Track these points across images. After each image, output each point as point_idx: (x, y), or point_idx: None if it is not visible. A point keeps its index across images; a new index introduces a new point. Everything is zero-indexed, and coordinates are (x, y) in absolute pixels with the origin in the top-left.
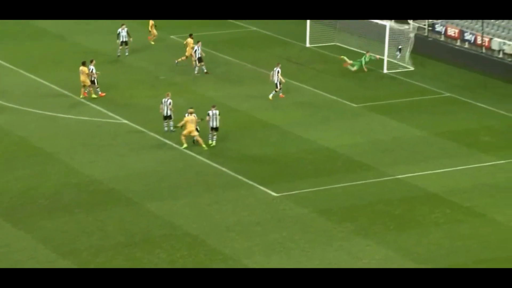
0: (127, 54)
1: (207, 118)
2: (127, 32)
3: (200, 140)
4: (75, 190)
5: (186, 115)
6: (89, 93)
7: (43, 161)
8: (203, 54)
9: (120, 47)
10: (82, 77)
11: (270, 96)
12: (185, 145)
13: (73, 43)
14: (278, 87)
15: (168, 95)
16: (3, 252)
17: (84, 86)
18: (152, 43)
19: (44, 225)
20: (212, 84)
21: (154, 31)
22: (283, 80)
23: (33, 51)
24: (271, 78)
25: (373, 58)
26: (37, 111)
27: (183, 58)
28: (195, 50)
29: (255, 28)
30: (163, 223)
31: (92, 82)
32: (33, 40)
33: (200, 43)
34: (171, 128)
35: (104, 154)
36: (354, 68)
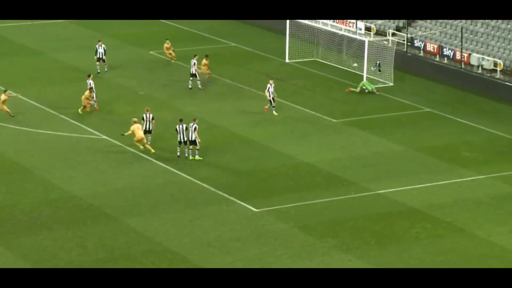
0: (106, 70)
1: (175, 132)
2: (104, 49)
3: (148, 146)
4: (54, 206)
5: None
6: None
7: (21, 177)
8: (199, 70)
9: (98, 63)
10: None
11: (274, 112)
12: (152, 151)
13: (51, 58)
14: (273, 103)
15: (147, 110)
16: None
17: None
18: (173, 61)
19: (23, 242)
20: (192, 100)
21: (172, 53)
22: (275, 95)
23: (11, 67)
24: (266, 95)
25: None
26: (15, 126)
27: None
28: (193, 64)
29: (234, 44)
30: (143, 239)
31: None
32: (10, 55)
33: (196, 57)
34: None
35: (83, 169)
36: (358, 89)
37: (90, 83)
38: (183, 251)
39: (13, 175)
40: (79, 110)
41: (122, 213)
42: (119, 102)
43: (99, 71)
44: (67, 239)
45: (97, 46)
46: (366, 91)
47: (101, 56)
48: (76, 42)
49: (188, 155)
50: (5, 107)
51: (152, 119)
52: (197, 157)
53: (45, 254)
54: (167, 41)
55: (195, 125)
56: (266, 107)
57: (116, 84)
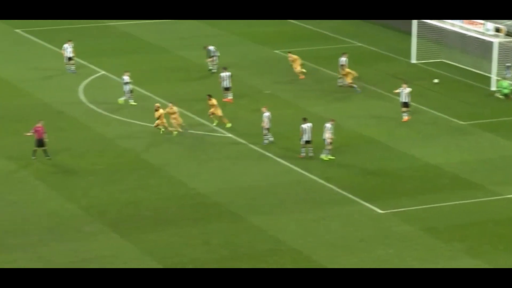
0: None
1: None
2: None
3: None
4: (180, 203)
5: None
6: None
7: (148, 173)
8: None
9: (209, 60)
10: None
11: (406, 116)
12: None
13: (177, 56)
14: (406, 107)
15: (265, 108)
16: (111, 262)
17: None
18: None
19: (149, 237)
20: (317, 100)
21: (299, 68)
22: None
23: (140, 65)
24: (400, 97)
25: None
26: (143, 123)
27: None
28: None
29: (360, 44)
30: (268, 237)
31: (227, 88)
32: (138, 53)
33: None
34: (270, 139)
35: (208, 167)
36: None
37: (224, 76)
38: (307, 251)
39: (141, 172)
40: (226, 124)
41: (246, 211)
42: (243, 100)
43: (212, 68)
44: (192, 236)
45: (210, 47)
46: (499, 94)
47: (212, 54)
48: (201, 40)
49: (307, 154)
50: (168, 122)
51: (268, 117)
52: (329, 156)
53: (170, 250)
54: (290, 55)
55: (330, 125)
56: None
57: (240, 82)
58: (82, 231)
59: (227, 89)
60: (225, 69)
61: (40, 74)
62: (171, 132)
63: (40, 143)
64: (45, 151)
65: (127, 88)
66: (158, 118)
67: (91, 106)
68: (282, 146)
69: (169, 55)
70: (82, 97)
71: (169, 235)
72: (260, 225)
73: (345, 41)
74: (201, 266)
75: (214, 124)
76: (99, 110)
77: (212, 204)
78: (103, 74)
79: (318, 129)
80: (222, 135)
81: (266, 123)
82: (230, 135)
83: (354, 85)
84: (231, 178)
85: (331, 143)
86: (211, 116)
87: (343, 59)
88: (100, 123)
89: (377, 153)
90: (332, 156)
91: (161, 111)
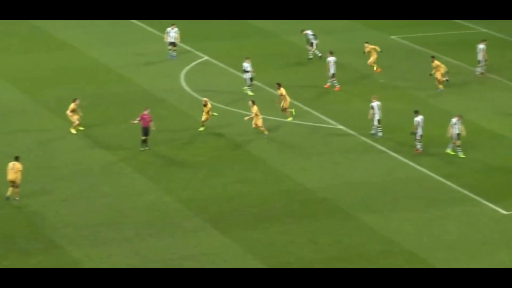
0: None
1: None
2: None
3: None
4: (285, 199)
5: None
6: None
7: (252, 166)
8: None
9: (310, 48)
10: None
11: None
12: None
13: (285, 41)
14: None
15: (375, 98)
16: (211, 260)
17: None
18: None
19: (252, 235)
20: (434, 90)
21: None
22: None
23: (245, 50)
24: None
25: None
26: (247, 112)
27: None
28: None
29: (484, 30)
30: (380, 238)
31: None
32: (244, 38)
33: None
34: (378, 134)
35: (317, 161)
36: None
37: (330, 60)
38: (423, 253)
39: (244, 164)
40: (288, 117)
41: (357, 209)
42: (356, 89)
43: (314, 55)
44: (299, 234)
45: (307, 32)
46: None
47: (312, 41)
48: (311, 24)
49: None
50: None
51: (379, 107)
52: (460, 154)
53: (274, 248)
54: (366, 45)
55: (456, 120)
56: None
57: (353, 70)
58: (182, 226)
59: (333, 75)
60: (331, 53)
61: (141, 59)
62: (262, 132)
63: (146, 132)
64: (145, 141)
65: (246, 76)
66: (207, 113)
67: (193, 93)
68: (396, 139)
69: (277, 40)
70: (183, 83)
71: (273, 232)
72: (372, 224)
73: (468, 27)
74: (307, 267)
75: (289, 119)
76: (200, 97)
77: (320, 201)
78: (206, 60)
79: (434, 123)
80: (332, 126)
81: (372, 115)
82: (341, 126)
83: (445, 79)
84: (341, 173)
85: (459, 139)
86: (285, 110)
87: (481, 46)
88: (202, 111)
89: (500, 149)
90: (462, 153)
91: (209, 105)
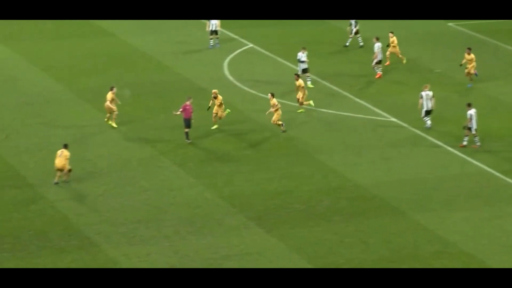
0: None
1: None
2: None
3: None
4: (334, 196)
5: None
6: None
7: (299, 160)
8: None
9: (351, 36)
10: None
11: None
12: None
13: (335, 27)
14: None
15: (426, 87)
16: (255, 260)
17: None
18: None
19: (299, 233)
20: (495, 81)
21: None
22: None
23: (291, 37)
24: None
25: None
26: (291, 103)
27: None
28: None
29: None
30: (434, 238)
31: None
32: (291, 25)
33: None
34: (427, 124)
35: (367, 155)
36: None
37: (377, 46)
38: (481, 255)
39: (291, 159)
40: (300, 109)
41: (410, 207)
42: (411, 79)
43: (347, 44)
44: (348, 233)
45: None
46: None
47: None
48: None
49: (472, 143)
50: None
51: (432, 97)
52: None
53: (322, 248)
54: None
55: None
56: None
57: (410, 60)
58: (223, 224)
59: (378, 62)
60: (377, 39)
61: (182, 47)
62: (279, 126)
63: (188, 123)
64: (186, 133)
65: (301, 67)
66: (219, 106)
67: (237, 83)
68: (452, 133)
69: (325, 26)
70: (227, 72)
71: (321, 231)
72: (426, 223)
73: None
74: (358, 267)
75: (300, 111)
76: (245, 88)
77: (370, 198)
78: (251, 48)
79: (492, 115)
80: (384, 119)
81: (421, 104)
82: (393, 119)
83: (475, 73)
84: (393, 169)
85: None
86: (301, 103)
87: None
88: (246, 102)
89: None
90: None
91: (220, 97)
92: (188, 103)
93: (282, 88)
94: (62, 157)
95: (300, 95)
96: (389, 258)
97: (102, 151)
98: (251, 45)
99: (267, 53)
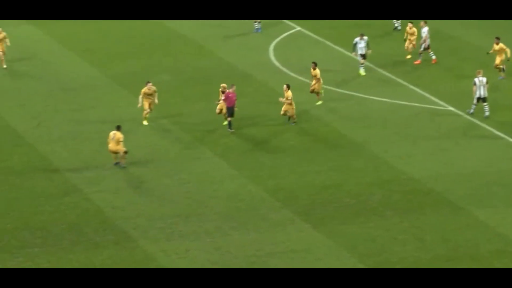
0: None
1: None
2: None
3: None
4: (387, 189)
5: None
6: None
7: (349, 153)
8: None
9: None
10: None
11: None
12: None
13: None
14: None
15: (479, 73)
16: (301, 257)
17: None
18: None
19: (349, 230)
20: None
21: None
22: None
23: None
24: None
25: None
26: (342, 90)
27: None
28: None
29: None
30: (495, 236)
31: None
32: None
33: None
34: (471, 110)
35: (423, 147)
36: None
37: (425, 31)
38: None
39: (340, 150)
40: (318, 101)
41: (469, 203)
42: (466, 63)
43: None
44: (402, 229)
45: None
46: None
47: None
48: None
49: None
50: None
51: (487, 83)
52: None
53: (374, 246)
54: (410, 25)
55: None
56: None
57: (461, 41)
58: (268, 219)
59: (426, 48)
60: (425, 22)
61: (224, 31)
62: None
63: (231, 112)
64: (229, 123)
65: (358, 52)
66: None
67: (283, 69)
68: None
69: None
70: (272, 57)
71: (372, 228)
72: (486, 220)
73: None
74: (411, 267)
75: (318, 103)
76: (292, 74)
77: (426, 192)
78: (298, 31)
79: None
80: (441, 108)
81: (474, 92)
82: (451, 108)
83: (502, 67)
84: (451, 162)
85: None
86: (316, 93)
87: None
88: (292, 89)
89: None
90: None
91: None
92: (231, 90)
93: (332, 75)
94: (114, 140)
95: (315, 86)
96: (446, 257)
97: (139, 141)
98: (298, 28)
99: (316, 37)
